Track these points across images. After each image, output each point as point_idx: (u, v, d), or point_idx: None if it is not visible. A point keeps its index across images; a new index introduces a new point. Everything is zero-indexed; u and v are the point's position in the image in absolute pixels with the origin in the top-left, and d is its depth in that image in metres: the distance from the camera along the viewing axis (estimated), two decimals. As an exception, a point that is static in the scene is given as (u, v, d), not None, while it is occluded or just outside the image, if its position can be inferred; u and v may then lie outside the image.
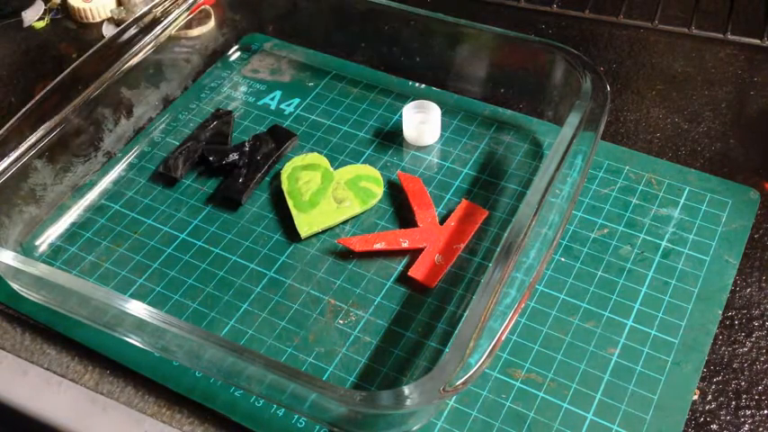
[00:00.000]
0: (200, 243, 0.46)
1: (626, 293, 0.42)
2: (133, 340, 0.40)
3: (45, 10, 0.63)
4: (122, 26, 0.51)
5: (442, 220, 0.46)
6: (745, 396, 0.38)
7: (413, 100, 0.51)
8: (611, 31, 0.60)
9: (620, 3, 0.60)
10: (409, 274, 0.43)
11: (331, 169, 0.49)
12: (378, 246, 0.44)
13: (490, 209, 0.46)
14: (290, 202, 0.47)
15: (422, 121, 0.51)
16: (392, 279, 0.43)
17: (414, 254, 0.44)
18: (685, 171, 0.48)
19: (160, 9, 0.52)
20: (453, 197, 0.47)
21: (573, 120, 0.43)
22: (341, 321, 0.41)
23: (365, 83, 0.55)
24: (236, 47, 0.59)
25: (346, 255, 0.45)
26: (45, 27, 0.62)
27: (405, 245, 0.44)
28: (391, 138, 0.51)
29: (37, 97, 0.46)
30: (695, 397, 0.38)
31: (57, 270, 0.40)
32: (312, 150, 0.51)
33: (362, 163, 0.50)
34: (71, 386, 0.40)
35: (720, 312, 0.41)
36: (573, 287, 0.43)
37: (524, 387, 0.39)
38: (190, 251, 0.45)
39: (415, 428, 0.37)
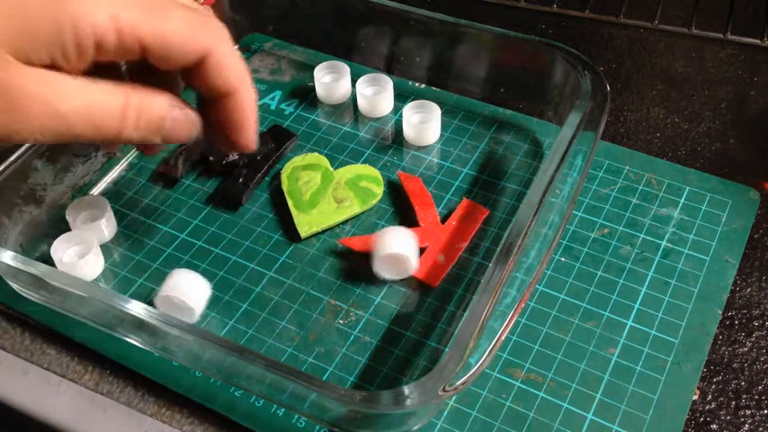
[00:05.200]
0: (200, 243, 0.46)
1: (626, 293, 0.42)
2: (133, 340, 0.40)
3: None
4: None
5: (443, 220, 0.46)
6: (745, 396, 0.38)
7: (413, 100, 0.51)
8: (611, 31, 0.60)
9: (620, 3, 0.60)
10: (412, 274, 0.43)
11: (331, 169, 0.49)
12: (378, 245, 0.44)
13: (490, 209, 0.46)
14: (290, 202, 0.47)
15: (422, 121, 0.51)
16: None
17: (414, 254, 0.44)
18: (685, 171, 0.48)
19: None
20: (453, 197, 0.47)
21: (573, 120, 0.43)
22: (341, 321, 0.41)
23: (365, 83, 0.55)
24: (236, 47, 0.59)
25: (346, 255, 0.45)
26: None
27: (406, 244, 0.44)
28: (391, 137, 0.51)
29: (37, 97, 0.46)
30: (695, 397, 0.38)
31: (57, 270, 0.40)
32: (312, 150, 0.51)
33: (362, 163, 0.50)
34: (71, 386, 0.40)
35: (720, 312, 0.41)
36: (573, 287, 0.43)
37: (524, 387, 0.39)
38: (190, 251, 0.45)
39: (415, 428, 0.37)
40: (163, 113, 0.33)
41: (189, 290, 0.40)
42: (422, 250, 0.44)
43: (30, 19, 0.28)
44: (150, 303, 0.42)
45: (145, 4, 0.31)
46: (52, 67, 0.30)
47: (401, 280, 0.43)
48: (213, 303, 0.42)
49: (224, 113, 0.35)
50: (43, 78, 0.30)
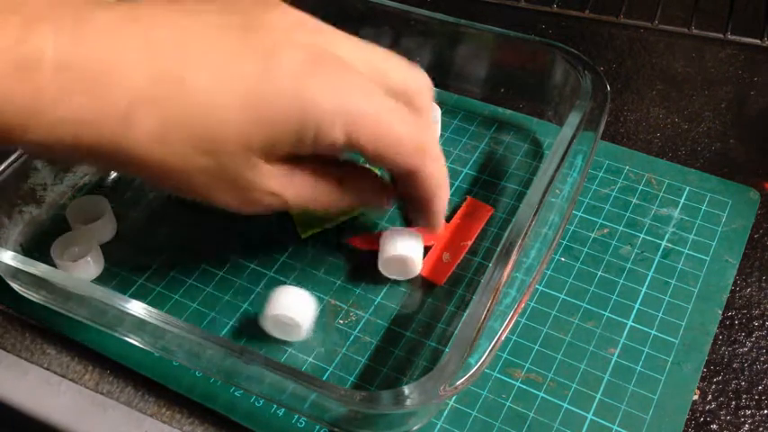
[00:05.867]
0: (200, 243, 0.46)
1: (626, 293, 0.42)
2: (133, 340, 0.40)
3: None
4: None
5: (447, 219, 0.45)
6: (745, 396, 0.38)
7: (413, 100, 0.51)
8: (611, 31, 0.60)
9: (620, 3, 0.60)
10: (416, 274, 0.43)
11: (331, 169, 0.49)
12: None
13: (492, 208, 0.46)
14: (290, 202, 0.47)
15: (422, 121, 0.50)
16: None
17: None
18: (685, 171, 0.48)
19: (160, 9, 0.52)
20: (453, 197, 0.47)
21: (573, 120, 0.43)
22: (341, 321, 0.41)
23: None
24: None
25: (346, 255, 0.45)
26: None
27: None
28: (391, 138, 0.51)
29: (37, 97, 0.46)
30: (695, 397, 0.38)
31: (57, 270, 0.40)
32: (312, 150, 0.50)
33: (363, 163, 0.50)
34: (71, 386, 0.40)
35: (720, 312, 0.41)
36: (573, 287, 0.43)
37: (524, 387, 0.39)
38: (190, 251, 0.45)
39: (415, 428, 0.37)
40: (368, 199, 0.38)
41: (295, 306, 0.39)
42: (427, 249, 0.44)
43: (278, 125, 0.31)
44: (150, 303, 0.42)
45: (379, 111, 0.33)
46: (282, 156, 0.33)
47: (405, 280, 0.43)
48: (213, 303, 0.42)
49: (417, 210, 0.39)
50: (278, 177, 0.33)
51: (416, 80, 0.37)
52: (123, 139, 0.30)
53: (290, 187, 0.34)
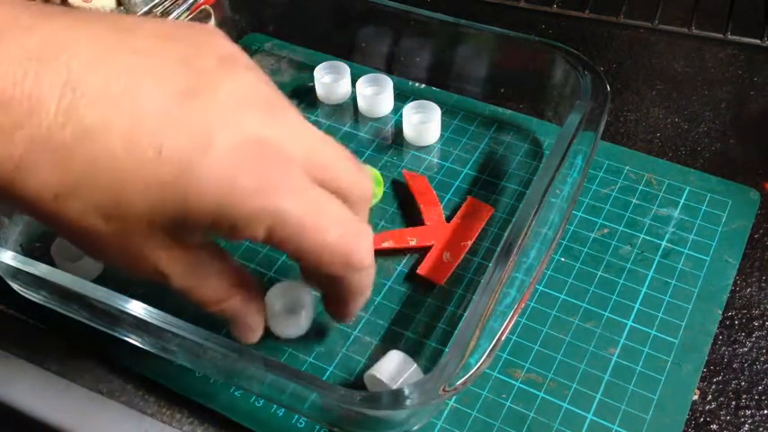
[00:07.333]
0: (200, 243, 0.46)
1: (626, 293, 0.42)
2: (133, 340, 0.40)
3: (45, 10, 0.63)
4: (122, 26, 0.51)
5: (447, 219, 0.46)
6: (745, 396, 0.38)
7: (413, 100, 0.51)
8: (611, 31, 0.60)
9: (620, 3, 0.60)
10: (418, 272, 0.43)
11: (331, 169, 0.49)
12: (386, 244, 0.44)
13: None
14: (290, 202, 0.47)
15: (422, 121, 0.51)
16: (392, 279, 0.43)
17: (418, 252, 0.44)
18: (685, 171, 0.48)
19: (160, 9, 0.52)
20: (453, 197, 0.47)
21: (573, 120, 0.43)
22: (341, 321, 0.41)
23: (365, 83, 0.55)
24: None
25: (346, 255, 0.45)
26: (45, 27, 0.62)
27: (413, 243, 0.44)
28: (391, 137, 0.51)
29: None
30: (695, 397, 0.38)
31: (57, 270, 0.40)
32: (312, 150, 0.50)
33: (362, 163, 0.50)
34: (71, 386, 0.40)
35: (720, 312, 0.41)
36: (573, 287, 0.43)
37: (524, 387, 0.39)
38: (190, 251, 0.45)
39: (415, 428, 0.37)
40: (244, 321, 0.35)
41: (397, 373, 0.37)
42: (427, 248, 0.44)
43: (193, 212, 0.28)
44: (150, 303, 0.42)
45: (305, 213, 0.30)
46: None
47: (404, 280, 0.43)
48: (213, 303, 0.42)
49: (329, 299, 0.37)
50: (175, 260, 0.31)
51: (361, 186, 0.33)
52: (17, 186, 0.27)
53: (180, 268, 0.31)
